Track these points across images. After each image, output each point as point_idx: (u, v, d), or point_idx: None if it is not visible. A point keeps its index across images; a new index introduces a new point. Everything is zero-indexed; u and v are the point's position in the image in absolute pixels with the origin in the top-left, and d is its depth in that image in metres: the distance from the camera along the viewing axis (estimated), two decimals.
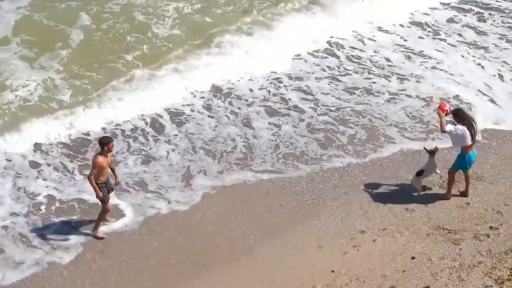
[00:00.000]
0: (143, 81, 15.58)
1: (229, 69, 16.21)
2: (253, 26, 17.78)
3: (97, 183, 11.21)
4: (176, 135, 14.31)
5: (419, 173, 12.46)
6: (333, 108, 15.15)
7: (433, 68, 16.65)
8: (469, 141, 11.86)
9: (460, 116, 12.01)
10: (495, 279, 10.49)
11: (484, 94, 15.57)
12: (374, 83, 16.06)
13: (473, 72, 16.42)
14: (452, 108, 12.19)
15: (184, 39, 16.94)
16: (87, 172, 11.50)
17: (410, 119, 14.83)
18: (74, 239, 11.77)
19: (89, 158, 13.22)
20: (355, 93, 15.68)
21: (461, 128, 11.81)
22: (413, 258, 11.15)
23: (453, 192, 12.42)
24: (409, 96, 15.59)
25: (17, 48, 16.32)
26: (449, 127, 11.85)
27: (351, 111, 15.08)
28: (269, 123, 14.71)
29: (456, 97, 15.46)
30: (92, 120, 14.43)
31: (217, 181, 13.06)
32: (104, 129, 14.26)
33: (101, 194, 11.24)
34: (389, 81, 16.15)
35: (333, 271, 11.00)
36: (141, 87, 15.43)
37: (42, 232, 11.91)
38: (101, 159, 11.11)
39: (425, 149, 12.71)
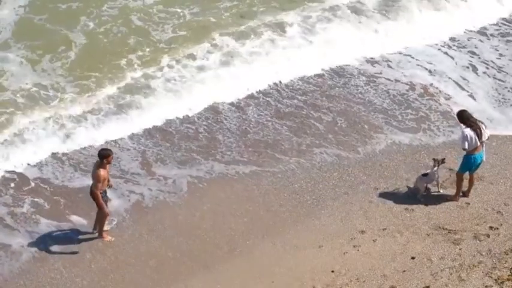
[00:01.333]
0: (141, 81, 15.54)
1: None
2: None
3: None
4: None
5: (425, 175, 12.43)
6: (300, 92, 14.58)
7: (399, 53, 16.15)
8: (473, 143, 11.83)
9: (465, 118, 12.00)
10: (495, 279, 10.49)
11: (463, 89, 15.35)
12: (347, 65, 15.29)
13: (443, 63, 16.04)
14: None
15: (183, 41, 16.96)
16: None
17: (398, 105, 14.40)
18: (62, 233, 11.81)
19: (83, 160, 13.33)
20: (324, 75, 15.18)
21: (466, 131, 11.82)
22: (413, 258, 11.14)
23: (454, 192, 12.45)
24: (389, 79, 14.93)
25: (19, 51, 16.32)
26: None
27: (321, 94, 14.50)
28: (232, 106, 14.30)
29: (431, 85, 15.16)
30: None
31: (193, 171, 12.99)
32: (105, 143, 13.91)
33: (106, 210, 11.31)
34: (361, 63, 15.55)
35: (333, 271, 11.00)
36: (141, 87, 15.40)
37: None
38: (102, 172, 11.22)
39: (434, 159, 12.52)
